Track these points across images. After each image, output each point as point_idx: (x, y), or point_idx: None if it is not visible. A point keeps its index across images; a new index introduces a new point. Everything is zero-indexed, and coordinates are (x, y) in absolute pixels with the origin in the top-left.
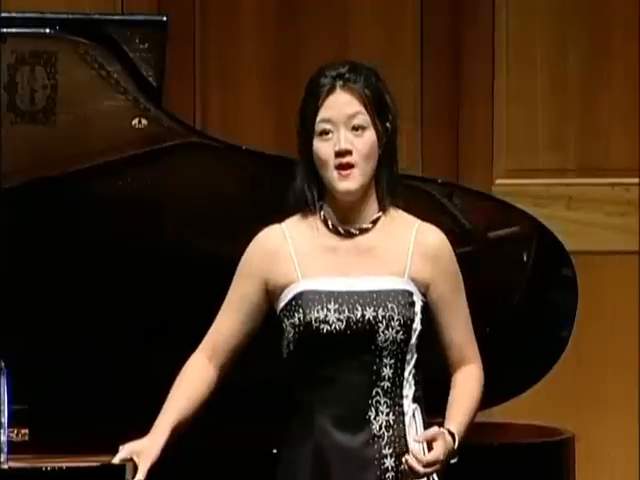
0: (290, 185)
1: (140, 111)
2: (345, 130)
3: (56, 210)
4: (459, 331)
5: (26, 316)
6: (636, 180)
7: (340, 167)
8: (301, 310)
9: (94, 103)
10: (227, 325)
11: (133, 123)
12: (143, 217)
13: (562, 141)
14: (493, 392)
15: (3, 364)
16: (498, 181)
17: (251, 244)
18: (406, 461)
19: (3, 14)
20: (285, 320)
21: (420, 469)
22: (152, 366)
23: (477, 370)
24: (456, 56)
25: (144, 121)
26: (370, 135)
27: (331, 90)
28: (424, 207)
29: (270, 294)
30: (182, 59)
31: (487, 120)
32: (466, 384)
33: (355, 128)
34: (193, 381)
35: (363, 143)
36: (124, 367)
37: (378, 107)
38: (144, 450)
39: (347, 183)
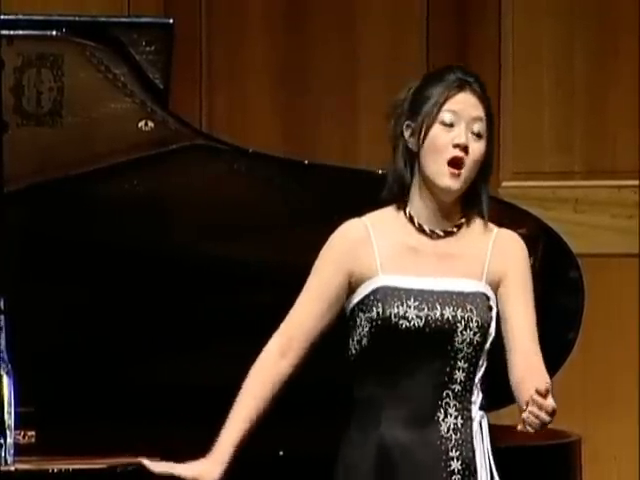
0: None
1: (146, 114)
2: (466, 129)
3: (62, 213)
4: (522, 329)
5: (33, 318)
6: None
7: (453, 162)
8: (380, 305)
9: (100, 105)
10: (307, 315)
11: (139, 125)
12: (149, 219)
13: (569, 144)
14: (500, 394)
15: (10, 366)
16: (504, 183)
17: (335, 235)
18: (528, 409)
19: (10, 16)
20: (361, 314)
21: (545, 417)
22: (159, 368)
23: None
24: (463, 59)
25: (150, 123)
26: (483, 145)
27: (463, 86)
28: None
29: (350, 286)
30: (188, 61)
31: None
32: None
33: (475, 133)
34: (263, 384)
35: (477, 149)
36: (131, 369)
37: (490, 121)
38: (205, 474)
39: (452, 182)
